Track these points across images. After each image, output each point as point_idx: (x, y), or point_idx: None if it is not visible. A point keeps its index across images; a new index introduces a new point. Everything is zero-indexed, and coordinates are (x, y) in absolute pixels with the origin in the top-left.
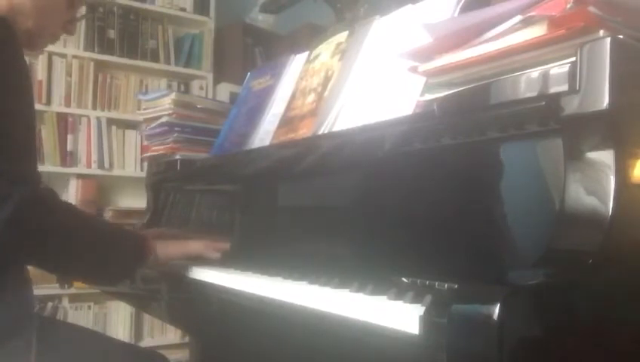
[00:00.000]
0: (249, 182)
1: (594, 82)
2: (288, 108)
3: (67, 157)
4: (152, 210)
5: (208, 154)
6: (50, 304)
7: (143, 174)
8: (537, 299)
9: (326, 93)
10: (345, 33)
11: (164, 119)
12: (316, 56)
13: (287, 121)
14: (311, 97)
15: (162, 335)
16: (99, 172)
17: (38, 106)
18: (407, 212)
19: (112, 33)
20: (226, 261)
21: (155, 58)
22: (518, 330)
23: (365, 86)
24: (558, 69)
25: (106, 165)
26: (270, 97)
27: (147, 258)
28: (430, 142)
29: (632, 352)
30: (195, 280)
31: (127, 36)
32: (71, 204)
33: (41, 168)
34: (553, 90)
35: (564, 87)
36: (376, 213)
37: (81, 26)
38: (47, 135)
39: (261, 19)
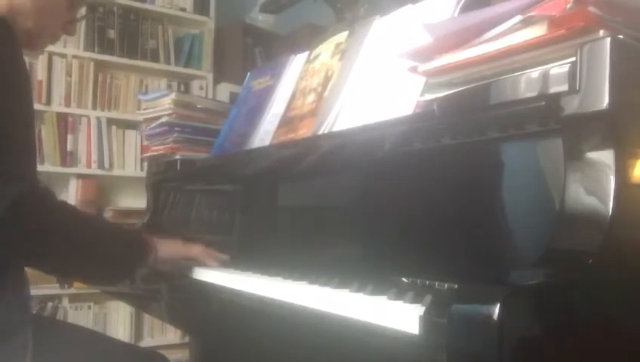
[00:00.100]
0: (249, 182)
1: (594, 82)
2: (288, 108)
3: (67, 157)
4: (152, 210)
5: (208, 154)
6: (50, 304)
7: (143, 174)
8: (537, 299)
9: (326, 93)
10: (345, 33)
11: (164, 119)
12: (316, 56)
13: (287, 121)
14: (311, 97)
15: (162, 335)
16: (99, 172)
17: (38, 106)
18: (407, 212)
19: (112, 33)
20: (227, 261)
21: (155, 58)
22: (518, 330)
23: (365, 86)
24: (558, 69)
25: (106, 165)
26: (270, 97)
27: (148, 257)
28: (430, 142)
29: (632, 352)
30: (195, 280)
31: (127, 36)
32: (69, 204)
33: (41, 168)
34: (553, 90)
35: (564, 87)
36: (377, 213)
37: (81, 26)
38: (47, 135)
39: (261, 19)
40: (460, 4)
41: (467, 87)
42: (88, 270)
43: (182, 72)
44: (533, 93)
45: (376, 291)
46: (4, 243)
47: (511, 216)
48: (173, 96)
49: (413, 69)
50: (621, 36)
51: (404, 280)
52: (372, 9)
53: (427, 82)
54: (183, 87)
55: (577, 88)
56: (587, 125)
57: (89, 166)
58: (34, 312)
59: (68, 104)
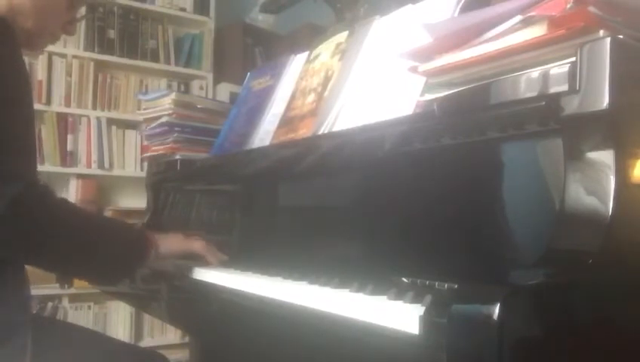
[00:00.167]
0: (249, 182)
1: (594, 82)
2: (288, 108)
3: (67, 157)
4: (152, 210)
5: (208, 154)
6: (50, 304)
7: (143, 174)
8: (537, 299)
9: (326, 93)
10: (345, 33)
11: (164, 119)
12: (316, 56)
13: (287, 121)
14: (311, 97)
15: (162, 335)
16: (99, 172)
17: (38, 106)
18: (407, 212)
19: (112, 33)
20: (225, 261)
21: (155, 58)
22: (518, 330)
23: (365, 86)
24: (558, 69)
25: (106, 165)
26: (270, 97)
27: (149, 253)
28: (430, 142)
29: (631, 352)
30: (195, 280)
31: (127, 36)
32: (69, 202)
33: (41, 168)
34: (553, 90)
35: (564, 87)
36: (376, 213)
37: (81, 26)
38: (47, 135)
39: (261, 19)
40: (460, 4)
41: (467, 87)
42: (89, 267)
43: (182, 72)
44: (533, 93)
45: (376, 291)
46: (4, 241)
47: (511, 216)
48: (173, 96)
49: (413, 69)
50: (621, 36)
51: (404, 280)
52: (372, 9)
53: (427, 82)
54: (183, 87)
55: (577, 88)
56: (587, 125)
57: (89, 166)
58: (34, 312)
59: (68, 104)
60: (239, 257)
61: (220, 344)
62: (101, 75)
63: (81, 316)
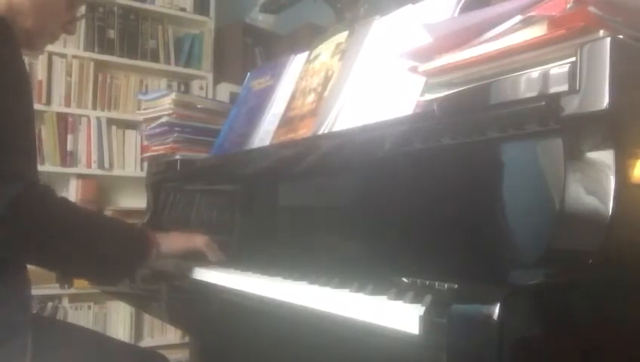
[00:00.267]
0: (249, 182)
1: (594, 82)
2: (288, 108)
3: (67, 157)
4: (152, 210)
5: (208, 154)
6: (50, 304)
7: (143, 174)
8: (537, 299)
9: (326, 93)
10: (345, 33)
11: (164, 119)
12: (316, 56)
13: (287, 121)
14: (311, 97)
15: (162, 335)
16: (99, 172)
17: (38, 106)
18: (407, 212)
19: (112, 33)
20: (226, 261)
21: (155, 58)
22: (518, 330)
23: (365, 86)
24: (558, 68)
25: (106, 165)
26: (270, 97)
27: (150, 253)
28: (430, 142)
29: (631, 352)
30: (195, 280)
31: (127, 36)
32: (69, 201)
33: (41, 168)
34: (553, 90)
35: (564, 87)
36: (376, 213)
37: (81, 26)
38: (47, 135)
39: (261, 19)
40: (460, 4)
41: (467, 87)
42: (89, 267)
43: (182, 72)
44: (533, 93)
45: (376, 291)
46: (4, 241)
47: (511, 216)
48: (173, 96)
49: (413, 69)
50: (621, 36)
51: (404, 280)
52: (372, 9)
53: (427, 82)
54: (183, 87)
55: (577, 88)
56: (587, 125)
57: (89, 166)
58: (34, 312)
59: (68, 104)
60: (239, 257)
61: (219, 344)
62: (101, 75)
63: (81, 316)
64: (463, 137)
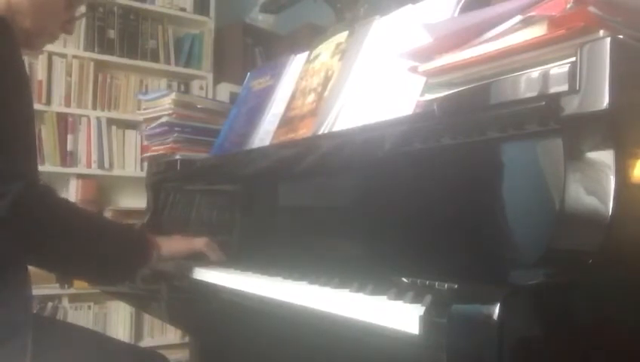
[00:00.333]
0: (249, 182)
1: (594, 82)
2: (288, 108)
3: (67, 157)
4: (152, 210)
5: (208, 154)
6: (50, 304)
7: (143, 174)
8: (537, 299)
9: (326, 93)
10: (345, 33)
11: (164, 119)
12: (316, 56)
13: (287, 121)
14: (311, 97)
15: (162, 335)
16: (99, 172)
17: (38, 106)
18: (407, 212)
19: (112, 33)
20: (226, 261)
21: (155, 58)
22: (518, 330)
23: (365, 86)
24: (558, 69)
25: (106, 165)
26: (270, 97)
27: (150, 255)
28: (430, 142)
29: (631, 352)
30: (195, 280)
31: (127, 36)
32: (70, 202)
33: (41, 168)
34: (553, 90)
35: (564, 87)
36: (376, 213)
37: (81, 26)
38: (47, 135)
39: (261, 19)
40: (460, 4)
41: (467, 87)
42: (89, 268)
43: (182, 72)
44: (533, 93)
45: (376, 291)
46: (5, 242)
47: (511, 216)
48: (173, 96)
49: (413, 69)
50: (621, 36)
51: (404, 280)
52: (372, 9)
53: (427, 82)
54: (183, 87)
55: (577, 88)
56: (587, 125)
57: (89, 166)
58: (34, 312)
59: (68, 104)
60: (239, 257)
61: (219, 344)
62: (101, 75)
63: (81, 316)
64: (463, 137)
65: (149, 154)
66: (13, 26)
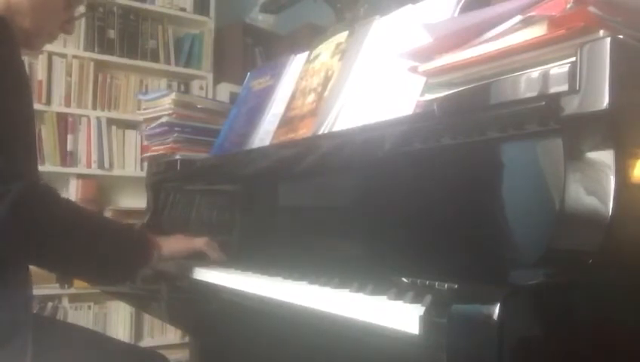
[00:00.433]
0: (249, 182)
1: (594, 82)
2: (288, 108)
3: (67, 157)
4: (152, 210)
5: (208, 154)
6: (50, 304)
7: (143, 174)
8: (537, 299)
9: (326, 93)
10: (345, 33)
11: (164, 119)
12: (316, 56)
13: (287, 121)
14: (311, 97)
15: (162, 335)
16: (99, 172)
17: (38, 106)
18: (407, 212)
19: (112, 33)
20: (226, 261)
21: (155, 58)
22: (518, 330)
23: (365, 86)
24: (558, 69)
25: (106, 165)
26: (270, 97)
27: (152, 255)
28: (430, 142)
29: (632, 352)
30: (195, 280)
31: (127, 36)
32: (71, 201)
33: (41, 168)
34: (553, 90)
35: (564, 87)
36: (376, 213)
37: (81, 26)
38: (47, 135)
39: (261, 19)
40: (460, 4)
41: (467, 87)
42: (89, 268)
43: (182, 72)
44: (533, 93)
45: (376, 291)
46: (6, 242)
47: (511, 216)
48: (173, 96)
49: (413, 69)
50: (621, 36)
51: (404, 280)
52: (372, 9)
53: (427, 82)
54: (183, 87)
55: (577, 88)
56: (587, 125)
57: (89, 166)
58: (34, 312)
59: (68, 104)
60: (239, 257)
61: (219, 344)
62: (101, 75)
63: (81, 316)
64: (463, 137)
65: (149, 154)
66: (13, 26)
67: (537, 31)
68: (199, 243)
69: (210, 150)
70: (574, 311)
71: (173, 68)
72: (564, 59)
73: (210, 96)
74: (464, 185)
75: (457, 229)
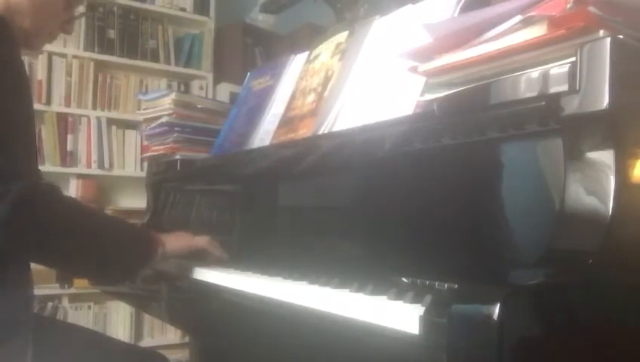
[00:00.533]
0: (249, 182)
1: (594, 82)
2: (288, 108)
3: (67, 157)
4: (152, 210)
5: (208, 154)
6: (50, 304)
7: (143, 174)
8: (537, 299)
9: (326, 93)
10: (345, 33)
11: (164, 119)
12: (316, 56)
13: (287, 121)
14: (311, 97)
15: (162, 335)
16: (99, 172)
17: (38, 106)
18: (407, 212)
19: (112, 33)
20: (227, 260)
21: (155, 58)
22: (518, 330)
23: (365, 86)
24: (558, 69)
25: (106, 165)
26: (270, 97)
27: (155, 253)
28: (430, 142)
29: (632, 352)
30: (195, 280)
31: (127, 36)
32: (75, 199)
33: (41, 168)
34: (553, 90)
35: (564, 87)
36: (376, 213)
37: (81, 26)
38: (47, 135)
39: (261, 19)
40: (460, 4)
41: (467, 87)
42: (94, 266)
43: (182, 72)
44: (533, 93)
45: (376, 291)
46: (6, 241)
47: (511, 216)
48: (173, 96)
49: (413, 69)
50: (621, 36)
51: (404, 280)
52: (372, 9)
53: (427, 82)
54: (183, 87)
55: (577, 88)
56: (587, 125)
57: (89, 166)
58: (34, 312)
59: (68, 104)
60: (239, 257)
61: (219, 344)
62: (101, 75)
63: (81, 316)
64: (463, 137)
65: (149, 154)
66: (13, 26)
67: (537, 31)
68: (202, 241)
69: (210, 150)
70: (574, 311)
71: (173, 68)
72: (564, 59)
73: (210, 96)
74: (464, 185)
75: (457, 229)
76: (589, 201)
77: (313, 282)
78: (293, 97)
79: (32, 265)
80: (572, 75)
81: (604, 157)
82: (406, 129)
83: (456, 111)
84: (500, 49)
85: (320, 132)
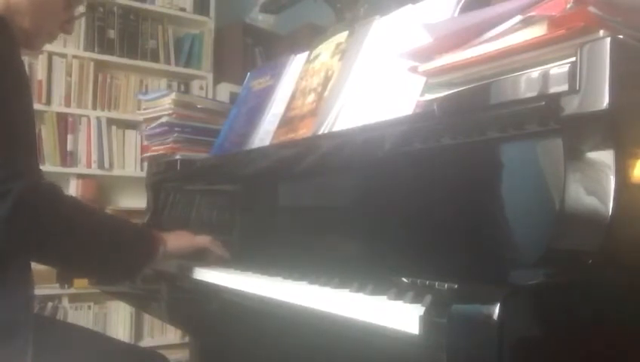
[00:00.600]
0: (249, 182)
1: (594, 82)
2: (288, 108)
3: (67, 157)
4: (152, 210)
5: (208, 154)
6: (50, 304)
7: (143, 174)
8: (537, 299)
9: (326, 93)
10: (345, 33)
11: (164, 119)
12: (316, 56)
13: (287, 121)
14: (311, 97)
15: (162, 335)
16: (99, 172)
17: (38, 106)
18: (407, 212)
19: (112, 33)
20: (228, 260)
21: (155, 58)
22: (518, 330)
23: (365, 86)
24: (558, 69)
25: (106, 165)
26: (270, 97)
27: (157, 252)
28: (430, 142)
29: (632, 352)
30: (195, 280)
31: (127, 36)
32: (76, 198)
33: (41, 168)
34: (553, 90)
35: (564, 87)
36: (376, 213)
37: (81, 26)
38: (47, 135)
39: (261, 19)
40: (460, 4)
41: (467, 87)
42: (96, 265)
43: (182, 72)
44: (533, 93)
45: (376, 291)
46: (9, 241)
47: (511, 216)
48: (173, 96)
49: (413, 69)
50: (621, 36)
51: (404, 280)
52: (372, 9)
53: (427, 82)
54: (183, 87)
55: (577, 88)
56: (587, 125)
57: (89, 166)
58: (34, 312)
59: (68, 104)
60: (239, 257)
61: (219, 344)
62: (101, 75)
63: (81, 316)
64: (463, 137)
65: (149, 154)
66: (13, 25)
67: (537, 31)
68: (204, 240)
69: (210, 150)
70: (574, 311)
71: (173, 68)
72: (564, 59)
73: (210, 96)
74: (464, 185)
75: (457, 229)
76: (589, 201)
77: (313, 282)
78: (293, 97)
79: (33, 265)
80: (572, 75)
81: (604, 157)
82: (406, 129)
83: (456, 111)
84: (499, 49)
85: (320, 132)
